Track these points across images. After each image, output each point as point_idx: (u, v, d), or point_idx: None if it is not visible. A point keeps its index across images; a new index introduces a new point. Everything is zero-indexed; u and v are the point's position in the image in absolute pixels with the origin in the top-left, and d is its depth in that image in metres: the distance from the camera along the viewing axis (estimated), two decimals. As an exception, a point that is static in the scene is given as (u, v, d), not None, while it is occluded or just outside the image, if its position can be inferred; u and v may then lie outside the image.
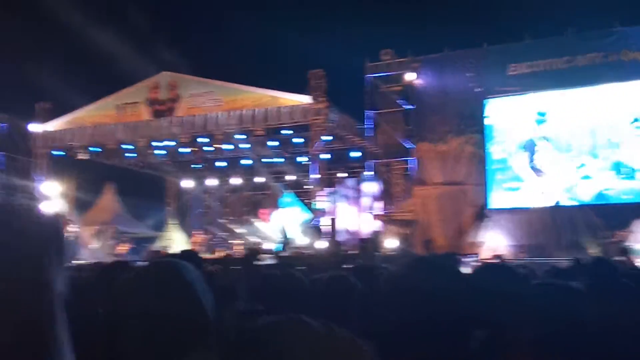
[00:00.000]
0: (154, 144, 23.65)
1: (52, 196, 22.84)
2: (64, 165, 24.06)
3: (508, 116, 18.85)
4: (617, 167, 17.47)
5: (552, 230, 17.52)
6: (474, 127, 19.14)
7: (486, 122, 18.97)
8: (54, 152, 24.11)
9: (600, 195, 17.50)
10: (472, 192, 18.94)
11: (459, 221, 18.82)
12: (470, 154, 19.15)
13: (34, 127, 23.74)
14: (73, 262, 18.12)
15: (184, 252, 6.03)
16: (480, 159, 18.97)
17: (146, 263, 1.68)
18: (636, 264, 10.05)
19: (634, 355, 2.16)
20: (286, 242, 20.13)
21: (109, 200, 26.33)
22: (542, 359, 1.80)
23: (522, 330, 1.85)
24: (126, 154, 25.19)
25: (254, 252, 8.75)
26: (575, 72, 17.84)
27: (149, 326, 1.50)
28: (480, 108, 18.96)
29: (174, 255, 5.37)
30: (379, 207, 22.12)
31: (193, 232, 24.85)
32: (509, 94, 18.74)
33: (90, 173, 24.82)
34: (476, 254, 17.61)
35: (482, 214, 18.51)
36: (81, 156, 23.40)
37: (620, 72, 17.29)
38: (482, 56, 19.30)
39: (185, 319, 1.52)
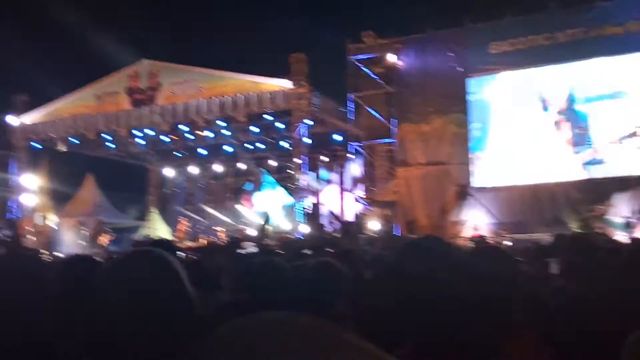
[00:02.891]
0: (134, 133, 23.38)
1: (30, 189, 22.52)
2: (43, 157, 23.72)
3: (490, 94, 18.84)
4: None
5: (533, 207, 17.63)
6: (456, 106, 19.11)
7: (470, 99, 18.94)
8: (33, 144, 23.74)
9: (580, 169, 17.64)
10: (455, 171, 18.96)
11: (442, 201, 18.86)
12: (453, 134, 19.15)
13: (12, 120, 23.32)
14: (55, 254, 17.93)
15: (156, 241, 5.86)
16: (463, 138, 18.98)
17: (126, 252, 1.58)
18: (614, 237, 10.30)
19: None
20: (265, 229, 20.05)
21: (89, 191, 26.01)
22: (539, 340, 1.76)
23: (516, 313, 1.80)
24: (107, 144, 24.90)
25: (236, 240, 8.49)
26: (556, 48, 17.86)
27: (134, 317, 1.41)
28: (463, 87, 18.93)
29: (146, 245, 5.19)
30: (361, 189, 22.12)
31: (179, 219, 24.66)
32: (491, 72, 18.74)
33: (70, 165, 24.53)
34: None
35: (464, 193, 18.55)
36: (60, 148, 23.05)
37: (602, 47, 17.33)
38: (464, 35, 19.21)
39: (174, 310, 1.43)
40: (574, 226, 16.52)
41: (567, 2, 18.16)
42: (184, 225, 23.74)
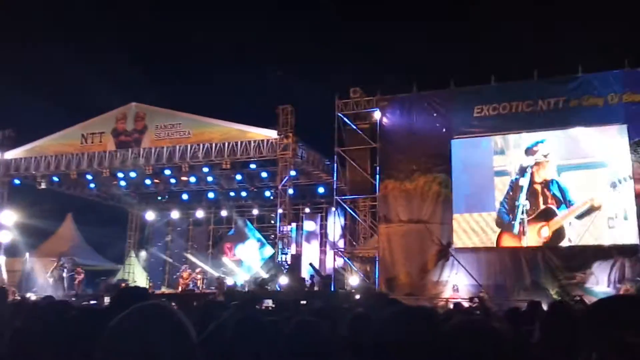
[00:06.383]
0: (118, 175, 23.26)
1: (7, 226, 22.12)
2: (24, 194, 23.45)
3: (471, 156, 19.06)
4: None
5: (513, 270, 17.63)
6: (440, 166, 19.30)
7: (453, 161, 19.14)
8: (15, 181, 23.50)
9: (559, 236, 17.66)
10: (437, 230, 18.98)
11: (423, 260, 18.79)
12: (436, 193, 19.25)
13: (-5, 155, 23.14)
14: (27, 294, 17.51)
15: (131, 288, 5.70)
16: (446, 198, 19.08)
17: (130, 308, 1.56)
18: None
19: None
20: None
21: (67, 231, 25.64)
22: None
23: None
24: (90, 185, 24.72)
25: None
26: (538, 116, 18.26)
27: None
28: (446, 148, 19.17)
29: (121, 290, 5.00)
30: (342, 243, 22.06)
31: (182, 267, 23.84)
32: (474, 135, 19.04)
33: (51, 203, 24.22)
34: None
35: (446, 253, 18.53)
36: (42, 185, 22.81)
37: (581, 117, 17.76)
38: (449, 97, 19.62)
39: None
40: (553, 292, 16.52)
41: (551, 72, 18.71)
42: (186, 273, 22.95)
